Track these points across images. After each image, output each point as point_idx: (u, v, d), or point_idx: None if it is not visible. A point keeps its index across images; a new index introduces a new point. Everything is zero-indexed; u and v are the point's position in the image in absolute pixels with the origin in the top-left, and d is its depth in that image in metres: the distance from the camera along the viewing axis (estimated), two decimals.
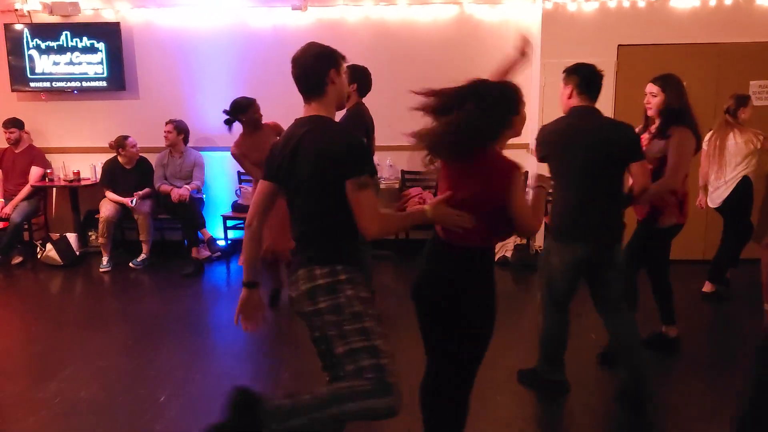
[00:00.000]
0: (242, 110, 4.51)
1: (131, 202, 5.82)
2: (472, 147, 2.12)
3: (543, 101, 5.71)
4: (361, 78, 4.17)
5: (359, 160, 2.10)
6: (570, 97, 2.98)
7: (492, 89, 2.14)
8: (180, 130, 5.97)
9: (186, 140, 6.08)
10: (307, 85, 2.22)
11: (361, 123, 4.10)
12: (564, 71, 3.03)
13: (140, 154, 6.07)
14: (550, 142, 3.05)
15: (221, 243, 6.21)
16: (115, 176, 5.94)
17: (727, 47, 5.52)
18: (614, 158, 2.89)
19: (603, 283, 3.08)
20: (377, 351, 2.09)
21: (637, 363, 3.09)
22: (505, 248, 5.87)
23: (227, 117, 4.54)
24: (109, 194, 5.90)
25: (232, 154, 4.53)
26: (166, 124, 5.97)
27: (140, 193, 5.88)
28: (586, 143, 2.89)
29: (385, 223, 2.11)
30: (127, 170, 5.97)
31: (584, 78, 2.94)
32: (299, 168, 2.15)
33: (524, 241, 5.91)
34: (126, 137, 5.92)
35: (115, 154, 5.98)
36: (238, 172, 6.36)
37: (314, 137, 2.13)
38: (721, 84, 5.54)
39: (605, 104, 5.65)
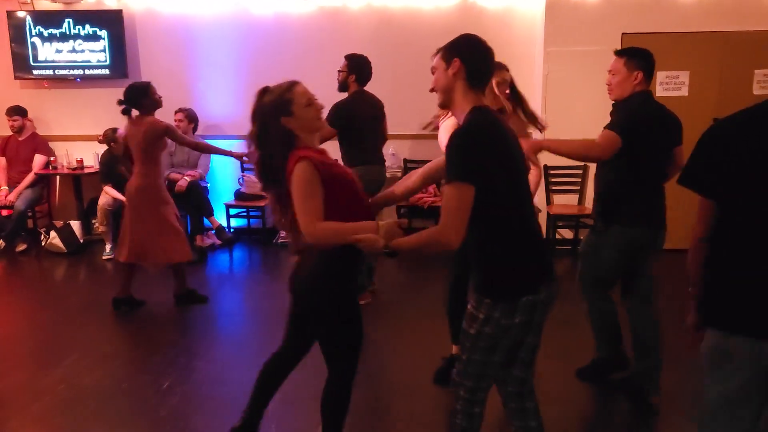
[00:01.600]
0: (143, 94, 4.19)
1: None
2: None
3: (546, 90, 5.69)
4: (361, 67, 4.30)
5: None
6: (639, 82, 2.95)
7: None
8: (191, 118, 5.97)
9: (195, 129, 6.09)
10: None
11: (356, 110, 4.23)
12: (623, 54, 3.00)
13: None
14: (652, 127, 2.94)
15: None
16: (113, 167, 5.92)
17: (732, 36, 5.48)
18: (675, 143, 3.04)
19: (644, 271, 3.08)
20: None
21: (653, 362, 3.07)
22: None
23: (125, 106, 4.19)
24: (110, 190, 5.85)
25: (169, 126, 4.24)
26: (176, 112, 5.96)
27: None
28: (670, 127, 2.98)
29: None
30: (121, 157, 5.94)
31: (649, 63, 2.97)
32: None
33: None
34: (115, 130, 5.88)
35: (107, 147, 5.95)
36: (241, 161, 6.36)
37: None
38: (725, 73, 5.51)
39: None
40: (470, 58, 2.01)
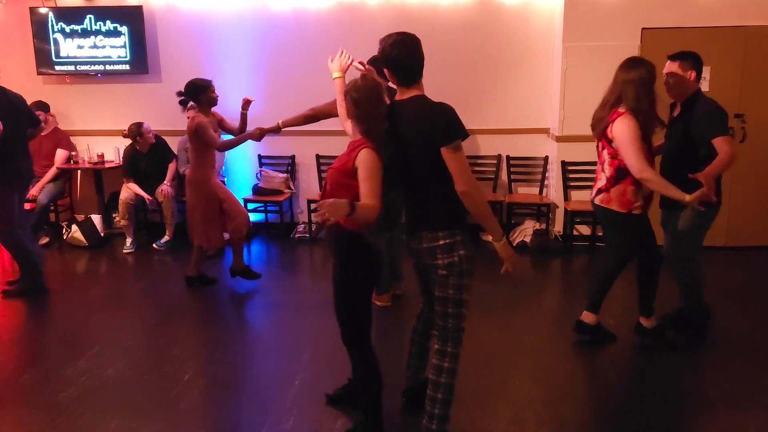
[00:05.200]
0: (203, 90, 4.54)
1: (149, 203, 5.98)
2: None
3: (565, 85, 5.66)
4: None
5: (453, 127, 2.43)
6: (693, 80, 3.46)
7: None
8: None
9: None
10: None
11: None
12: (675, 57, 3.50)
13: (156, 135, 6.11)
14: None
15: None
16: (137, 163, 6.00)
17: (754, 30, 5.41)
18: None
19: None
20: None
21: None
22: (524, 233, 5.86)
23: (183, 98, 4.58)
24: (132, 186, 5.93)
25: (199, 125, 4.47)
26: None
27: (166, 185, 5.99)
28: None
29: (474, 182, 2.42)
30: (145, 154, 6.03)
31: (699, 63, 3.48)
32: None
33: (543, 226, 5.90)
34: (141, 124, 5.95)
35: (131, 142, 6.03)
36: (259, 156, 6.41)
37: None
38: (747, 68, 5.44)
39: None
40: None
